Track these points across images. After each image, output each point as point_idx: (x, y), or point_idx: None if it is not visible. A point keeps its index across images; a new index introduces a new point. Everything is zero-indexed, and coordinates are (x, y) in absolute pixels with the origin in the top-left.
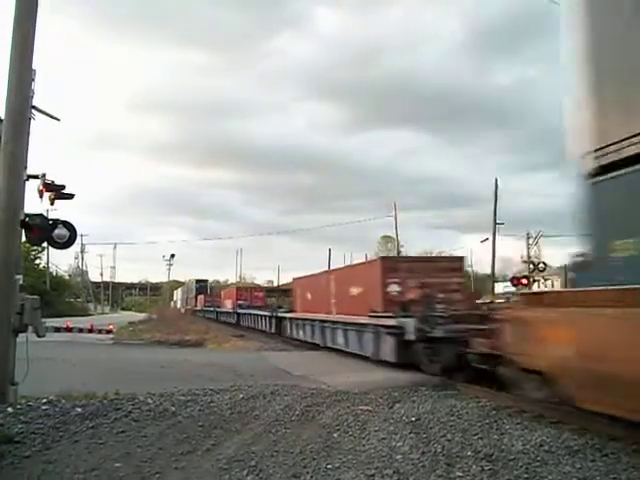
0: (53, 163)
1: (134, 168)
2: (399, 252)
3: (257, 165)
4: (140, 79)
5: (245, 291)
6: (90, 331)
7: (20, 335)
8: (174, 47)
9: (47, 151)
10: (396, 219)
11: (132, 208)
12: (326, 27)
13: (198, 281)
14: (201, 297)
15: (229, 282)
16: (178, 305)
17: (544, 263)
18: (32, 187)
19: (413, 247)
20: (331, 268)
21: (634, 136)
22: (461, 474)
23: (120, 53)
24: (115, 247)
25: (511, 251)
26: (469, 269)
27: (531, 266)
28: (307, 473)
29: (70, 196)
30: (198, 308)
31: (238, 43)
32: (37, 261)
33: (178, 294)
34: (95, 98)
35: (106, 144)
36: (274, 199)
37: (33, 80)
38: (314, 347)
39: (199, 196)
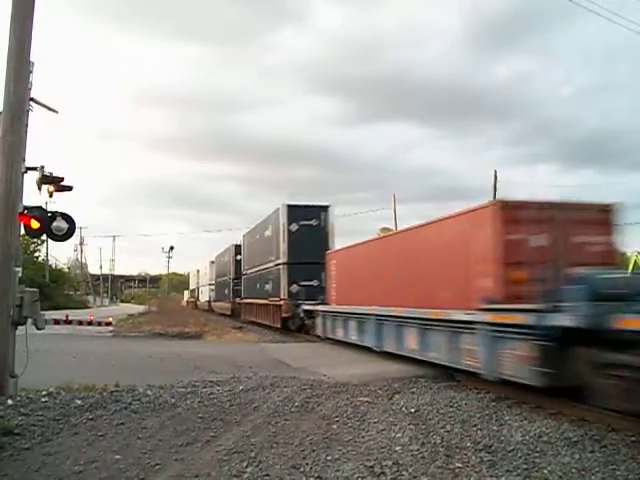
0: (55, 156)
1: (135, 161)
2: None
3: (258, 158)
4: (142, 72)
5: None
6: (89, 323)
7: (19, 327)
8: (177, 41)
9: (49, 144)
10: (395, 211)
11: (133, 201)
12: (328, 22)
13: (293, 208)
14: (338, 265)
15: None
16: (204, 298)
17: None
18: (32, 179)
19: None
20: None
21: None
22: (460, 465)
23: (123, 47)
24: (114, 239)
25: None
26: None
27: None
28: (306, 464)
29: (69, 188)
30: (330, 308)
31: (240, 37)
32: (36, 254)
33: (208, 272)
34: (97, 91)
35: (108, 137)
36: (274, 192)
37: (31, 72)
38: (313, 340)
39: (200, 189)
